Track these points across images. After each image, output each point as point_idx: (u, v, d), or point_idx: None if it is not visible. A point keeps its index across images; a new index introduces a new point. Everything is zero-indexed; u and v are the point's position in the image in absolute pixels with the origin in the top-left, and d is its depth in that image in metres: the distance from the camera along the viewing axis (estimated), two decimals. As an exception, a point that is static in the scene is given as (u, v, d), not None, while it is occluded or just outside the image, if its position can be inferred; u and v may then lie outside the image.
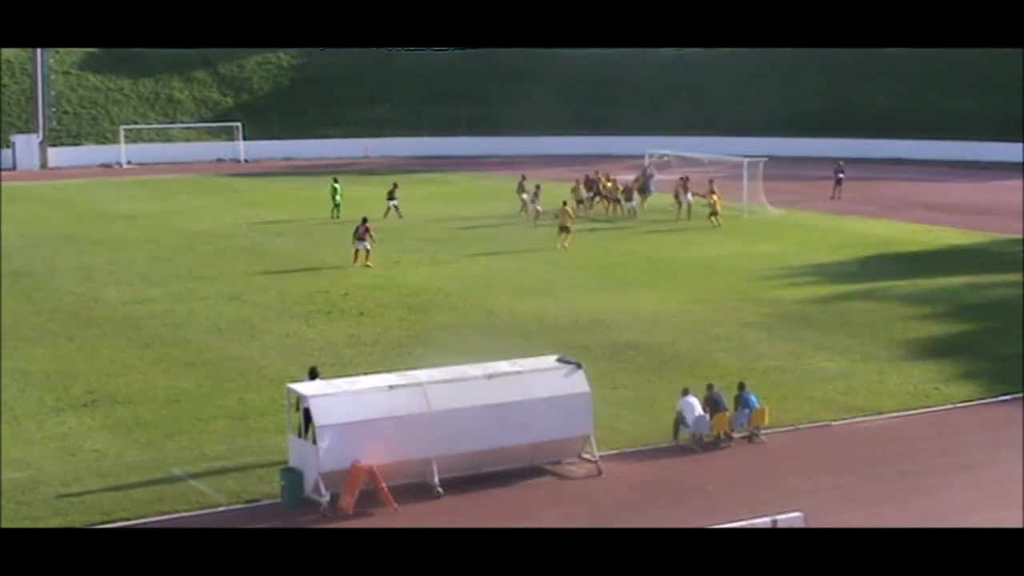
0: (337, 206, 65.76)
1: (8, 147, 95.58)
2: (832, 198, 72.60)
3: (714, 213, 62.17)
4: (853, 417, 32.10)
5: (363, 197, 67.03)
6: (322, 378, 28.65)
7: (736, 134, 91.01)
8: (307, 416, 26.80)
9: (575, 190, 67.32)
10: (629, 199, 66.61)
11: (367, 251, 52.57)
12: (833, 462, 28.92)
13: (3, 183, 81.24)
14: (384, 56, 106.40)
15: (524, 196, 66.69)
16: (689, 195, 64.49)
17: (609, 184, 68.22)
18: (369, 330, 41.19)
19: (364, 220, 53.52)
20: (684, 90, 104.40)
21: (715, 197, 62.60)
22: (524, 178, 68.82)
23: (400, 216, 64.21)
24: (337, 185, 67.12)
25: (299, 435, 26.96)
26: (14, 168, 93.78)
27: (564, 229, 56.39)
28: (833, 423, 31.76)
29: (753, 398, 30.40)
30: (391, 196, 65.54)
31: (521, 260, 53.72)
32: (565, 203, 59.51)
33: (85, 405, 33.24)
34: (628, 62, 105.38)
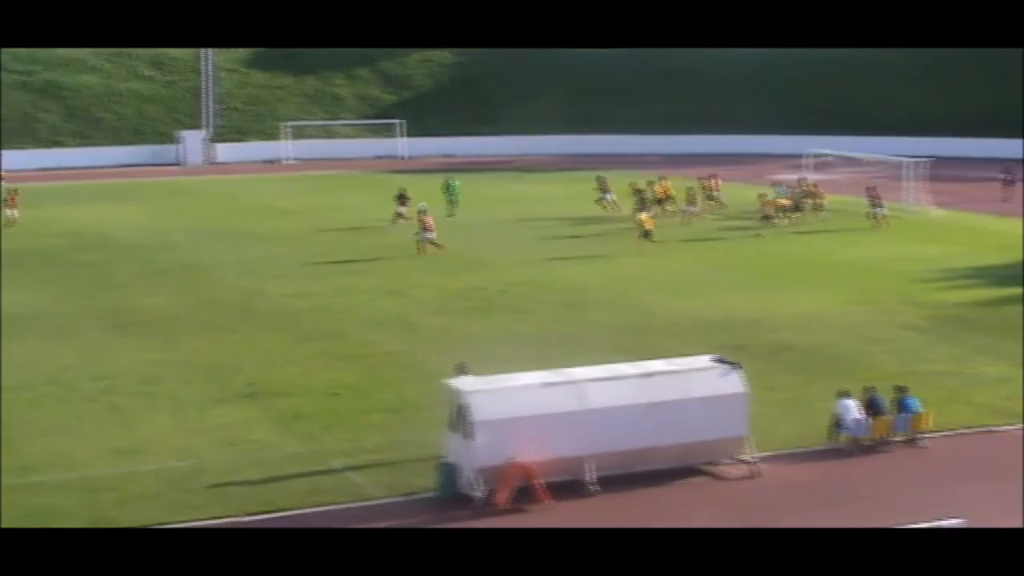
0: (452, 203, 66.02)
1: (176, 143, 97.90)
2: (1003, 200, 70.69)
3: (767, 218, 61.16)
4: (1017, 423, 31.41)
5: (524, 195, 66.99)
6: (472, 375, 28.77)
7: (894, 133, 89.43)
8: (459, 412, 27.02)
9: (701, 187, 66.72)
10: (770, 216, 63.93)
11: (430, 241, 54.63)
12: (996, 468, 28.31)
13: (170, 178, 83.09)
14: (541, 54, 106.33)
15: (610, 197, 65.88)
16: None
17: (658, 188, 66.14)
18: (526, 327, 41.34)
19: (421, 212, 56.32)
20: (849, 89, 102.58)
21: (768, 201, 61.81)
22: (601, 178, 68.11)
23: (399, 221, 61.63)
24: (455, 183, 67.39)
25: (453, 430, 27.20)
26: (182, 163, 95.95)
27: (646, 234, 54.45)
28: (996, 429, 31.12)
29: (913, 402, 29.91)
30: (402, 202, 62.80)
31: (674, 258, 53.39)
32: (638, 210, 58.11)
33: (246, 396, 33.90)
34: (776, 56, 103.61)
